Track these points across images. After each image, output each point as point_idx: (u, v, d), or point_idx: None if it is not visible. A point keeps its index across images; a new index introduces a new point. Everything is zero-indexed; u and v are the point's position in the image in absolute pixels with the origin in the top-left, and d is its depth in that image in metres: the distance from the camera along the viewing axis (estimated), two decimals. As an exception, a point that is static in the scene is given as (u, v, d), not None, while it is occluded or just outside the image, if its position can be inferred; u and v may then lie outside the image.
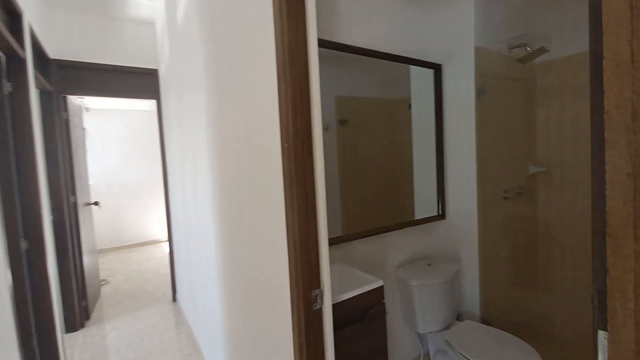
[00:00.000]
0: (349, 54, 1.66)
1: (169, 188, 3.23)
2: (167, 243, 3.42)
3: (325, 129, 1.65)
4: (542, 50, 1.93)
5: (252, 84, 1.09)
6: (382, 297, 1.35)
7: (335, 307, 1.19)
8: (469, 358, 1.48)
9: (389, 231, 1.83)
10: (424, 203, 2.05)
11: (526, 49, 2.03)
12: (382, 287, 1.34)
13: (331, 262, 1.58)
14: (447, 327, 1.81)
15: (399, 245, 1.93)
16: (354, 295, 1.26)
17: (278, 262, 0.94)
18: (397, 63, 1.89)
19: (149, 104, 5.01)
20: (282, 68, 0.83)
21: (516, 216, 2.24)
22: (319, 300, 0.86)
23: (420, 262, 1.95)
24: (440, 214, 2.09)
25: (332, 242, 1.58)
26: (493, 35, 2.02)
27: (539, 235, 2.40)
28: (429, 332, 1.79)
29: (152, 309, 3.17)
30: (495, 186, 2.07)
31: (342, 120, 1.72)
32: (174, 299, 3.32)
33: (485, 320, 1.97)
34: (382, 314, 1.34)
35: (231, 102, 1.30)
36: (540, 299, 2.41)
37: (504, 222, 2.13)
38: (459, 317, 1.98)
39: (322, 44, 1.53)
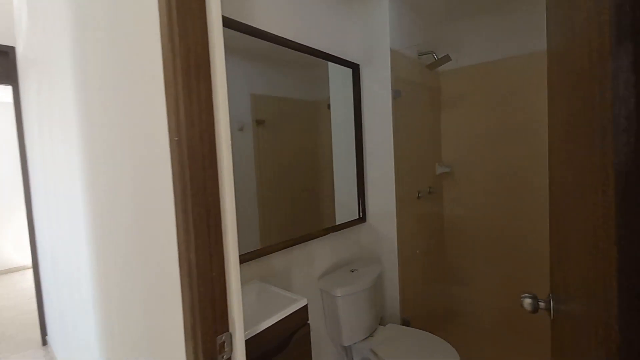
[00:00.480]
0: (263, 42, 1.47)
1: (31, 199, 2.50)
2: (32, 271, 2.65)
3: (240, 129, 1.43)
4: (447, 59, 2.05)
5: (130, 55, 0.80)
6: (307, 317, 1.18)
7: (254, 340, 0.98)
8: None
9: (310, 239, 1.69)
10: (345, 207, 1.98)
11: (433, 56, 2.14)
12: (306, 306, 1.18)
13: (247, 282, 1.36)
14: (372, 335, 1.76)
15: (321, 254, 1.80)
16: (275, 321, 1.06)
17: (167, 304, 0.69)
18: (315, 59, 1.78)
19: (2, 92, 3.92)
20: (168, 28, 0.59)
21: (427, 214, 2.36)
22: (227, 349, 0.64)
23: (343, 269, 1.86)
24: (361, 217, 2.05)
25: (249, 257, 1.36)
26: (405, 39, 2.08)
27: (447, 231, 2.59)
28: (354, 343, 1.71)
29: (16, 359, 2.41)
30: (410, 187, 2.12)
31: (259, 120, 1.52)
32: (44, 342, 2.59)
33: (405, 321, 1.99)
34: (307, 335, 1.17)
35: (104, 89, 0.97)
36: (453, 292, 2.60)
37: (418, 220, 2.21)
38: (381, 322, 1.95)
39: (231, 23, 1.31)
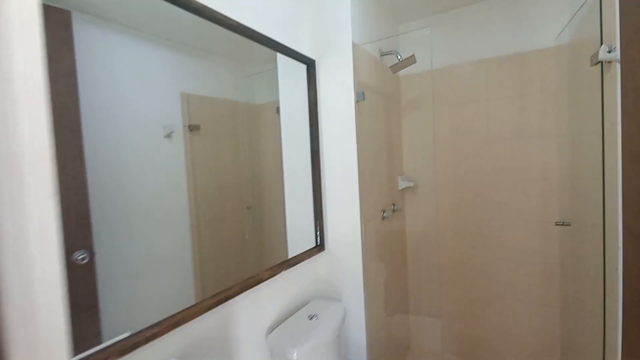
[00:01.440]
0: (192, 20, 1.05)
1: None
2: None
3: (167, 135, 1.03)
4: (412, 60, 1.81)
5: None
6: None
7: None
8: None
9: (258, 283, 1.27)
10: (299, 233, 1.60)
11: (397, 56, 1.89)
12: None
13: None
14: (337, 398, 1.39)
15: (270, 299, 1.39)
16: None
17: None
18: (262, 52, 1.40)
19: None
20: None
21: (392, 235, 2.09)
22: None
23: (299, 315, 1.47)
24: (319, 244, 1.69)
25: (175, 322, 0.90)
26: (368, 33, 1.79)
27: (410, 250, 2.35)
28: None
29: None
30: (374, 205, 1.82)
31: (193, 125, 1.12)
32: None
33: (373, 368, 1.67)
34: None
35: None
36: (417, 322, 2.36)
37: (383, 244, 1.92)
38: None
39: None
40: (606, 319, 1.13)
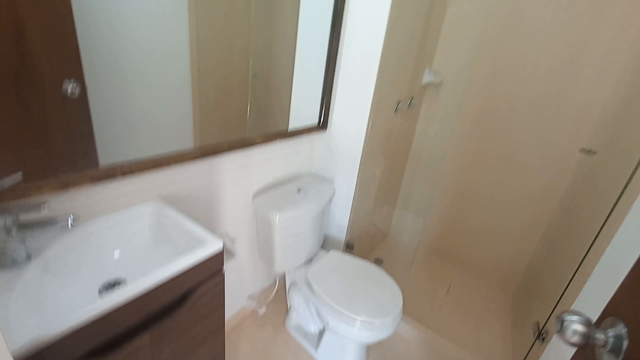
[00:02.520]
0: None
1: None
2: None
3: None
4: None
5: None
6: (221, 266, 0.83)
7: (137, 302, 0.62)
8: (329, 301, 1.24)
9: (252, 145, 1.24)
10: (303, 108, 1.49)
11: None
12: (221, 253, 0.81)
13: (142, 202, 0.93)
14: (310, 260, 1.54)
15: (263, 165, 1.38)
16: (169, 277, 0.69)
17: None
18: None
19: None
20: None
21: (400, 130, 1.97)
22: None
23: (287, 186, 1.49)
24: (321, 124, 1.60)
25: (166, 162, 0.90)
26: None
27: (413, 152, 2.28)
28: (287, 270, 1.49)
29: None
30: (389, 95, 1.65)
31: None
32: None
33: (349, 245, 1.81)
34: (216, 291, 0.84)
35: None
36: (397, 215, 2.47)
37: (388, 136, 1.83)
38: (323, 245, 1.74)
39: None
40: (583, 264, 1.12)
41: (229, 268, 1.41)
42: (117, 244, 0.83)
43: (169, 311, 0.73)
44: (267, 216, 1.28)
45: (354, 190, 1.65)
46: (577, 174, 1.65)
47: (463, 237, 2.20)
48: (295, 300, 1.52)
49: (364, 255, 2.14)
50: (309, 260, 1.54)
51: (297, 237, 1.39)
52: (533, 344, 1.36)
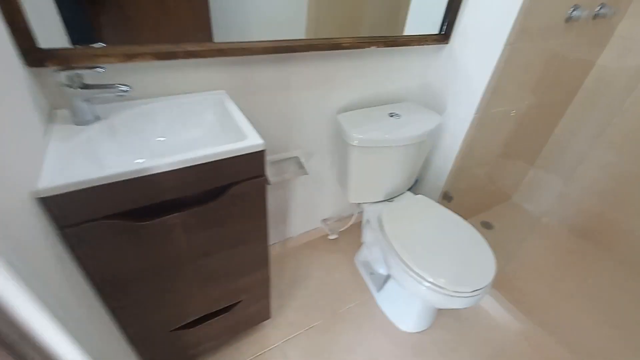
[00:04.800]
0: None
1: None
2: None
3: None
4: None
5: None
6: (262, 169, 0.75)
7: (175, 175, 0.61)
8: (397, 248, 1.06)
9: (348, 48, 1.04)
10: (424, 11, 1.15)
11: None
12: (261, 152, 0.72)
13: (211, 90, 0.90)
14: (391, 199, 1.35)
15: (356, 75, 1.18)
16: (202, 158, 0.65)
17: None
18: None
19: None
20: None
21: (568, 54, 1.36)
22: None
23: (381, 108, 1.25)
24: (443, 33, 1.22)
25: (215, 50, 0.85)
26: None
27: (584, 91, 1.60)
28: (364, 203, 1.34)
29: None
30: (561, -6, 1.10)
31: None
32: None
33: (447, 196, 1.50)
34: (258, 192, 0.78)
35: None
36: (532, 175, 1.90)
37: (545, 61, 1.28)
38: (414, 188, 1.49)
39: None
40: None
41: (302, 184, 1.36)
42: (173, 125, 0.83)
43: (206, 199, 0.71)
44: (345, 135, 1.12)
45: (467, 129, 1.28)
46: None
47: (631, 224, 1.54)
48: (368, 237, 1.39)
49: (466, 213, 1.78)
50: (391, 199, 1.34)
51: (378, 166, 1.20)
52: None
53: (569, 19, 1.18)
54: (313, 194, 1.44)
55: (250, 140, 0.70)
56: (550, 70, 1.35)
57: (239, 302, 0.96)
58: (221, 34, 0.86)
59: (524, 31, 1.07)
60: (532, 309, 1.33)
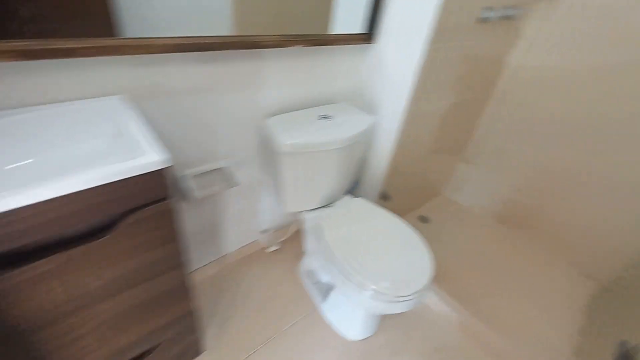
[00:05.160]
0: None
1: None
2: None
3: None
4: None
5: None
6: (166, 190, 0.62)
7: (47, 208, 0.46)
8: (338, 255, 1.01)
9: (271, 47, 0.95)
10: (349, 9, 1.11)
11: None
12: (163, 170, 0.60)
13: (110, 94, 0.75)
14: (330, 204, 1.30)
15: (286, 76, 1.10)
16: (68, 190, 0.51)
17: None
18: None
19: None
20: None
21: (482, 54, 1.45)
22: None
23: (311, 111, 1.19)
24: (368, 32, 1.20)
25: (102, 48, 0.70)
26: None
27: (499, 88, 1.73)
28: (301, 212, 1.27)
29: None
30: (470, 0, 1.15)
31: None
32: None
33: (385, 195, 1.50)
34: (164, 218, 0.65)
35: None
36: (460, 169, 2.01)
37: (459, 59, 1.34)
38: (352, 190, 1.46)
39: None
40: None
41: (234, 195, 1.25)
42: (46, 142, 0.66)
43: (93, 234, 0.57)
44: (274, 141, 1.03)
45: (398, 128, 1.28)
46: None
47: (549, 209, 1.70)
48: (309, 245, 1.33)
49: (404, 210, 1.82)
50: (330, 204, 1.29)
51: (312, 172, 1.13)
52: (611, 368, 0.98)
53: (481, 20, 1.24)
54: (248, 205, 1.33)
55: (148, 157, 0.57)
56: (469, 69, 1.42)
57: (159, 345, 0.81)
58: (132, 28, 0.72)
59: (442, 31, 1.09)
60: (468, 298, 1.38)
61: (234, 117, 1.05)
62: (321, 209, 1.27)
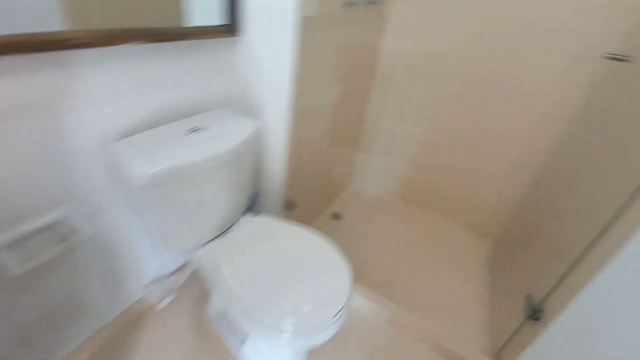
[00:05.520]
0: None
1: None
2: None
3: None
4: None
5: None
6: None
7: None
8: (242, 299, 0.82)
9: (93, 46, 0.68)
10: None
11: None
12: None
13: None
14: (227, 231, 1.08)
15: (133, 84, 0.83)
16: None
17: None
18: None
19: None
20: None
21: (357, 42, 1.41)
22: None
23: (175, 125, 0.95)
24: (229, 24, 1.01)
25: None
26: None
27: (380, 74, 1.75)
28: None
29: None
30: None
31: None
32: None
33: (290, 203, 1.35)
34: None
35: None
36: (360, 159, 2.01)
37: (336, 47, 1.27)
38: (252, 207, 1.27)
39: None
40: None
41: (94, 250, 0.93)
42: None
43: None
44: (126, 171, 0.77)
45: (287, 127, 1.14)
46: (597, 85, 1.21)
47: (441, 180, 1.80)
48: (210, 287, 1.09)
49: (315, 213, 1.72)
50: (225, 231, 1.08)
51: (192, 200, 0.90)
52: (523, 323, 1.03)
53: (346, 4, 1.18)
54: (115, 259, 1.02)
55: None
56: (348, 57, 1.37)
57: None
58: None
59: (308, 18, 0.98)
60: (390, 287, 1.36)
61: (71, 145, 0.74)
62: (215, 239, 1.04)
